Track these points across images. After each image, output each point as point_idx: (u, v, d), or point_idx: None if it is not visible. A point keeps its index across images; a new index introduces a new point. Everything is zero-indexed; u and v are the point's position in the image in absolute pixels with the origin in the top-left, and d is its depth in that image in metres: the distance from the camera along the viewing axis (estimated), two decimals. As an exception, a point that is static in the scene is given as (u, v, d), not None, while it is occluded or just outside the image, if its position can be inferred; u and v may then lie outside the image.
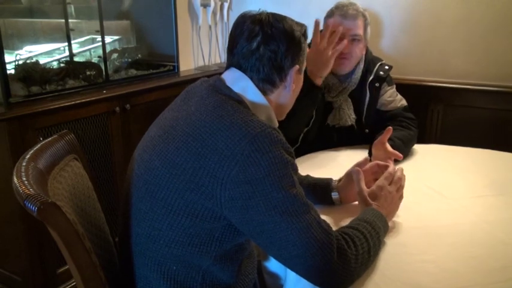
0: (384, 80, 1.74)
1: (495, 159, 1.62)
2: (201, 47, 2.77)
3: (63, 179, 0.96)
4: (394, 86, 1.81)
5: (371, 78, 1.73)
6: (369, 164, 1.24)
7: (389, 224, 1.08)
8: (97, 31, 2.18)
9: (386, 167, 1.19)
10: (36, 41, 2.16)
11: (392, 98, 1.77)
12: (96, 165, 2.03)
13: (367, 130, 1.76)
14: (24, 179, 0.82)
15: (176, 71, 2.55)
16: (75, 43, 2.26)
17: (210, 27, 2.82)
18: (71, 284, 1.93)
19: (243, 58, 0.96)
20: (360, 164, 1.23)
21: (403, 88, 1.89)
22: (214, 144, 0.83)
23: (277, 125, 1.01)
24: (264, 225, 0.83)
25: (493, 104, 2.19)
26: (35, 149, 0.95)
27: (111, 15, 2.43)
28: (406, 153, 1.60)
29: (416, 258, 0.99)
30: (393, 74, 1.81)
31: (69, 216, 0.80)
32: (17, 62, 1.93)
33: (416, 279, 0.92)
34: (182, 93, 1.02)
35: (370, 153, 1.53)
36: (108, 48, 2.32)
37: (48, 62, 2.11)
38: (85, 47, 2.34)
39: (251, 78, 0.96)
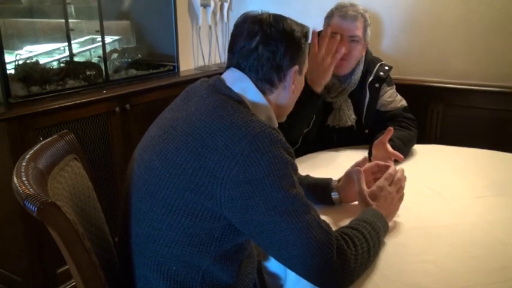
0: (383, 80, 1.74)
1: (495, 159, 1.62)
2: (201, 47, 2.77)
3: (63, 179, 0.96)
4: (394, 86, 1.81)
5: (371, 78, 1.73)
6: (369, 164, 1.24)
7: (389, 224, 1.08)
8: (97, 31, 2.18)
9: (387, 167, 1.19)
10: (36, 41, 2.16)
11: (392, 99, 1.77)
12: (96, 165, 2.03)
13: (366, 131, 1.76)
14: (24, 179, 0.82)
15: (176, 71, 2.55)
16: (75, 43, 2.26)
17: (210, 27, 2.82)
18: (70, 284, 1.93)
19: (242, 57, 0.96)
20: (359, 164, 1.23)
21: (403, 88, 1.89)
22: (214, 144, 0.83)
23: (277, 125, 1.01)
24: (263, 225, 0.83)
25: (493, 104, 2.19)
26: (35, 149, 0.95)
27: (111, 15, 2.43)
28: (406, 153, 1.60)
29: (416, 259, 0.99)
30: (393, 74, 1.81)
31: (69, 216, 0.80)
32: (17, 62, 1.93)
33: (416, 279, 0.92)
34: (182, 93, 1.02)
35: (370, 154, 1.53)
36: (108, 48, 2.32)
37: (48, 62, 2.11)
38: (85, 47, 2.34)
39: (250, 78, 0.96)
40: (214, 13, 2.77)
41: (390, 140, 1.49)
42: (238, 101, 0.91)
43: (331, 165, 1.57)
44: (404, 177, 1.17)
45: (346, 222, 1.02)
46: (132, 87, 2.16)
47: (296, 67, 0.98)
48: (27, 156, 0.90)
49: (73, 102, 1.87)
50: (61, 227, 0.79)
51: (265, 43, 0.94)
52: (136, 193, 0.93)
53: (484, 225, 1.14)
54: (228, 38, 2.91)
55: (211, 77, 1.00)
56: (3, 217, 1.84)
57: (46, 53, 2.18)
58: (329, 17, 1.69)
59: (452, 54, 2.29)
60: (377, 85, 1.74)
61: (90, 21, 2.26)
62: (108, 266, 0.98)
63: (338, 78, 1.70)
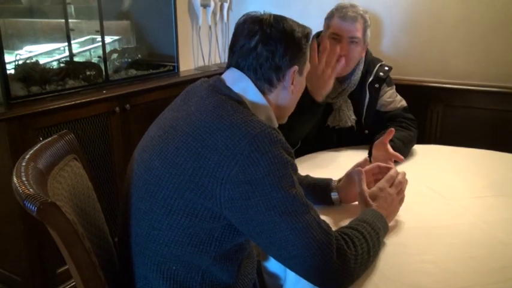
0: (383, 80, 1.74)
1: (495, 159, 1.62)
2: (201, 47, 2.77)
3: (62, 179, 0.96)
4: (394, 86, 1.81)
5: (371, 79, 1.74)
6: (370, 165, 1.24)
7: (389, 224, 1.08)
8: (97, 31, 2.18)
9: (388, 168, 1.19)
10: (36, 41, 2.16)
11: (392, 99, 1.77)
12: (96, 165, 2.03)
13: (366, 131, 1.76)
14: (24, 179, 0.82)
15: (176, 71, 2.56)
16: (75, 43, 2.26)
17: (210, 27, 2.82)
18: (70, 284, 1.93)
19: (241, 56, 0.96)
20: (359, 165, 1.23)
21: (403, 88, 1.89)
22: (214, 144, 0.83)
23: (277, 125, 1.01)
24: (263, 225, 0.83)
25: (493, 105, 2.19)
26: (34, 149, 0.95)
27: (111, 15, 2.43)
28: (406, 153, 1.60)
29: (416, 259, 0.99)
30: (393, 75, 1.81)
31: (68, 216, 0.80)
32: (17, 62, 1.94)
33: (416, 280, 0.92)
34: (182, 94, 1.02)
35: (370, 154, 1.53)
36: (108, 48, 2.32)
37: (48, 62, 2.12)
38: (85, 47, 2.34)
39: (250, 78, 0.96)
40: (214, 13, 2.77)
41: (390, 141, 1.49)
42: (238, 101, 0.92)
43: (332, 165, 1.57)
44: (406, 181, 1.17)
45: (346, 222, 1.02)
46: (132, 87, 2.16)
47: (295, 67, 0.98)
48: (27, 156, 0.90)
49: (73, 102, 1.87)
50: (61, 227, 0.79)
51: (265, 42, 0.94)
52: (136, 193, 0.93)
53: (483, 226, 1.14)
54: (228, 38, 2.92)
55: (211, 77, 1.00)
56: (3, 217, 1.84)
57: (46, 53, 2.18)
58: (329, 17, 1.69)
59: (452, 55, 2.29)
60: (377, 85, 1.74)
61: (90, 21, 2.26)
62: (107, 266, 0.98)
63: (338, 78, 1.70)
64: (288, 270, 0.96)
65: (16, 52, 2.02)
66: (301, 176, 1.26)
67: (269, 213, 0.82)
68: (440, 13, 2.26)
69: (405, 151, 1.58)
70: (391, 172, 1.15)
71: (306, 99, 1.49)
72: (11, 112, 1.68)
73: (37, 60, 2.02)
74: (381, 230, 1.00)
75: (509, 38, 2.14)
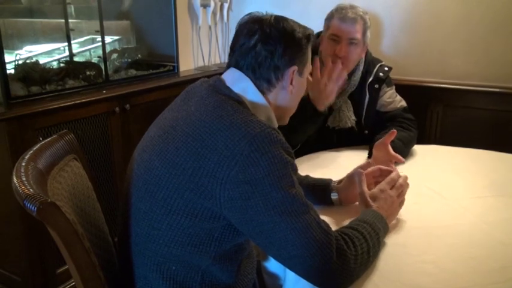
0: (383, 81, 1.75)
1: (495, 160, 1.62)
2: (200, 48, 2.77)
3: (62, 179, 0.96)
4: (394, 87, 1.81)
5: (370, 79, 1.74)
6: (372, 168, 1.24)
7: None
8: (97, 31, 2.18)
9: (389, 172, 1.19)
10: (36, 41, 2.16)
11: (392, 99, 1.77)
12: (96, 165, 2.03)
13: (366, 131, 1.76)
14: (23, 179, 0.82)
15: (176, 71, 2.55)
16: (75, 43, 2.26)
17: (210, 27, 2.82)
18: (70, 284, 1.93)
19: (240, 55, 0.96)
20: (362, 167, 1.23)
21: (403, 89, 1.89)
22: (213, 144, 0.83)
23: (277, 125, 1.01)
24: (263, 225, 0.83)
25: (493, 105, 2.19)
26: (34, 149, 0.95)
27: (111, 15, 2.43)
28: (406, 154, 1.60)
29: (416, 259, 0.99)
30: (393, 75, 1.81)
31: (68, 216, 0.80)
32: (16, 62, 1.94)
33: (416, 280, 0.92)
34: (182, 94, 1.02)
35: (370, 154, 1.53)
36: (108, 49, 2.32)
37: (48, 62, 2.12)
38: (85, 47, 2.34)
39: (249, 77, 0.96)
40: (214, 13, 2.77)
41: (391, 141, 1.49)
42: (238, 101, 0.92)
43: (332, 165, 1.57)
44: (407, 184, 1.16)
45: (346, 222, 1.02)
46: (132, 87, 2.16)
47: (294, 67, 0.98)
48: (27, 156, 0.90)
49: (73, 102, 1.87)
50: (61, 227, 0.79)
51: (264, 42, 0.94)
52: (136, 193, 0.93)
53: (483, 226, 1.14)
54: (228, 38, 2.93)
55: (211, 77, 1.00)
56: (3, 217, 1.84)
57: (46, 53, 2.18)
58: (329, 18, 1.69)
59: (452, 55, 2.29)
60: (376, 86, 1.74)
61: (90, 21, 2.26)
62: (107, 266, 0.98)
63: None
64: (288, 270, 0.96)
65: (16, 52, 2.02)
66: (301, 176, 1.26)
67: (269, 213, 0.82)
68: (440, 13, 2.26)
69: (405, 151, 1.58)
70: (393, 175, 1.15)
71: (308, 107, 1.52)
72: (11, 112, 1.68)
73: (37, 60, 2.02)
74: (381, 230, 0.99)
75: (509, 38, 2.14)
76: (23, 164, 0.87)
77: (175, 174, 0.85)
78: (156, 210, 0.88)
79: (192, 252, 0.88)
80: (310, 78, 1.49)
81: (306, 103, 1.50)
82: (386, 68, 1.76)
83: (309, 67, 1.05)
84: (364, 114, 1.75)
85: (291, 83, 0.99)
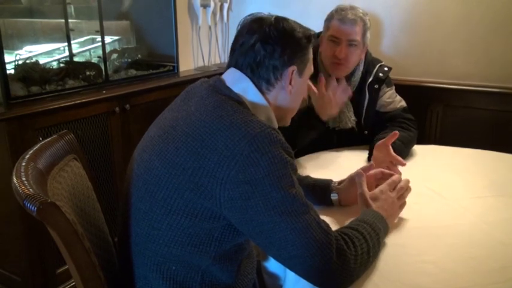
0: (383, 81, 1.74)
1: (495, 160, 1.62)
2: (200, 48, 2.77)
3: (62, 179, 0.96)
4: (393, 87, 1.81)
5: (370, 79, 1.74)
6: (374, 170, 1.24)
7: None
8: (97, 31, 2.18)
9: (391, 175, 1.19)
10: (36, 41, 2.16)
11: (392, 99, 1.77)
12: (96, 165, 2.03)
13: (366, 132, 1.76)
14: (23, 179, 0.82)
15: (176, 71, 2.55)
16: (75, 43, 2.26)
17: (209, 27, 2.82)
18: (70, 284, 1.93)
19: (240, 54, 0.97)
20: (364, 169, 1.23)
21: (403, 89, 1.89)
22: (213, 144, 0.83)
23: (277, 125, 1.01)
24: (263, 225, 0.83)
25: (493, 105, 2.19)
26: (34, 149, 0.95)
27: (111, 15, 2.43)
28: (406, 154, 1.59)
29: (416, 259, 0.99)
30: (393, 75, 1.81)
31: (68, 216, 0.80)
32: (16, 62, 1.93)
33: (416, 280, 0.92)
34: (182, 94, 1.02)
35: (370, 154, 1.53)
36: (108, 49, 2.32)
37: (48, 62, 2.12)
38: (85, 47, 2.34)
39: (248, 77, 0.96)
40: (214, 13, 2.77)
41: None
42: (238, 101, 0.92)
43: (332, 166, 1.57)
44: (409, 188, 1.16)
45: (346, 222, 1.02)
46: (132, 87, 2.16)
47: (294, 67, 0.98)
48: (27, 156, 0.90)
49: (73, 102, 1.87)
50: (61, 227, 0.79)
51: (263, 41, 0.94)
52: (136, 193, 0.93)
53: (483, 226, 1.14)
54: (228, 38, 2.92)
55: (211, 77, 1.00)
56: (3, 217, 1.84)
57: (46, 53, 2.18)
58: (328, 19, 1.69)
59: (452, 55, 2.29)
60: (376, 86, 1.74)
61: (90, 21, 2.26)
62: (107, 266, 0.98)
63: (338, 80, 1.70)
64: (288, 270, 0.96)
65: (16, 52, 2.02)
66: (301, 176, 1.26)
67: (269, 213, 0.82)
68: (440, 13, 2.26)
69: (405, 152, 1.58)
70: (394, 177, 1.15)
71: (311, 115, 1.55)
72: (11, 112, 1.68)
73: (37, 60, 2.02)
74: (381, 230, 0.99)
75: (509, 38, 2.14)
76: (23, 164, 0.87)
77: (175, 174, 0.85)
78: (156, 210, 0.88)
79: (192, 252, 0.88)
80: (315, 90, 1.52)
81: (310, 112, 1.55)
82: (386, 68, 1.76)
83: (310, 68, 1.04)
84: (364, 114, 1.75)
85: (290, 83, 0.99)
